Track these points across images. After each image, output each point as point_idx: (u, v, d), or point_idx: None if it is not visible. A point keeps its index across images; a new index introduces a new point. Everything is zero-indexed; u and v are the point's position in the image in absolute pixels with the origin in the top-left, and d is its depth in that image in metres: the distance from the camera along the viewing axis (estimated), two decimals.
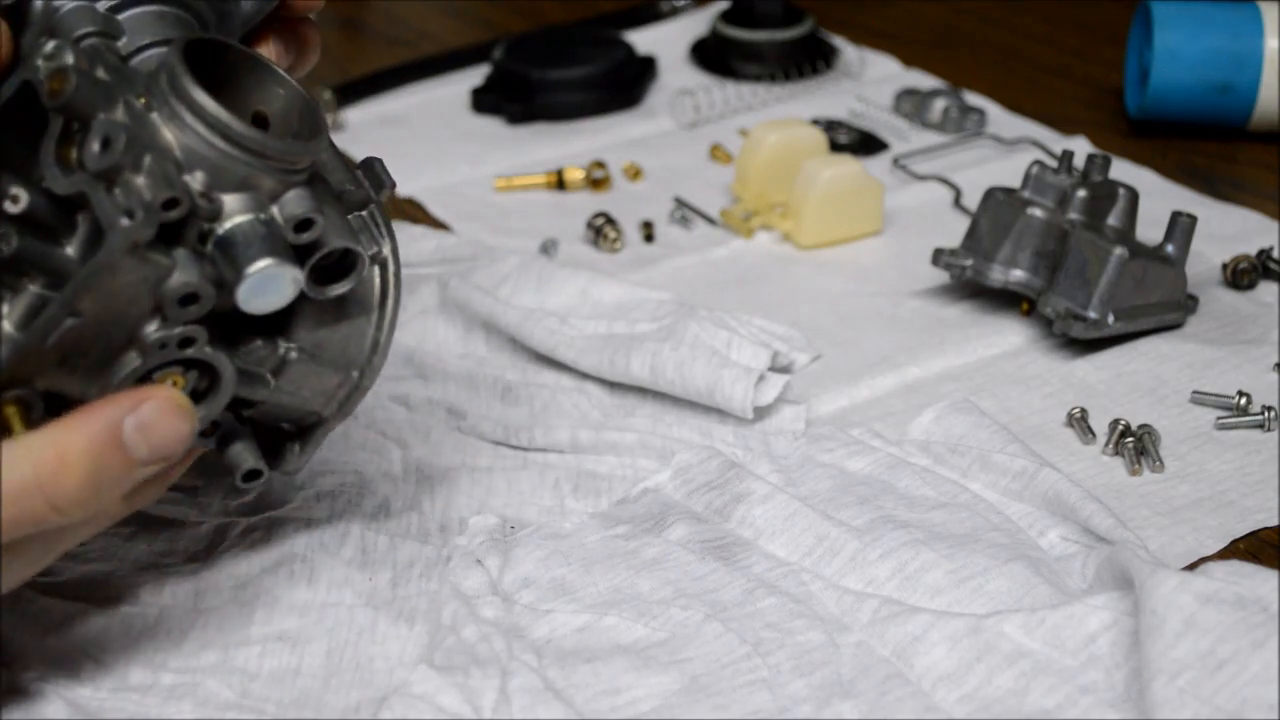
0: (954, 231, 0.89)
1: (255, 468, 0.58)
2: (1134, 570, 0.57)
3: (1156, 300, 0.80)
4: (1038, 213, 0.81)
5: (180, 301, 0.52)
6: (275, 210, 0.54)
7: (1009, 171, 0.97)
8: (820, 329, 0.82)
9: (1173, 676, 0.52)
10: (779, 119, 0.97)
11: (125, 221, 0.49)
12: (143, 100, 0.52)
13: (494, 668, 0.56)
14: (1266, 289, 0.85)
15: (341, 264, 0.57)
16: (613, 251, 0.91)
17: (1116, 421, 0.72)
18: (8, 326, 0.51)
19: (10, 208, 0.51)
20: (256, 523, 0.65)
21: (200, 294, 0.52)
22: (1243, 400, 0.74)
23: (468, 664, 0.57)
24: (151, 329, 0.52)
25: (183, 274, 0.51)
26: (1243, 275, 0.85)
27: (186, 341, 0.53)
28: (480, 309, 0.79)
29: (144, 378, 0.53)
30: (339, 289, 0.56)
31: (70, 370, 0.51)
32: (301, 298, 0.55)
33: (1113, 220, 0.82)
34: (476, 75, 1.14)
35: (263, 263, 0.52)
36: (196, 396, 0.54)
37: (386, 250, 0.58)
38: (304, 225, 0.54)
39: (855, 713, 0.55)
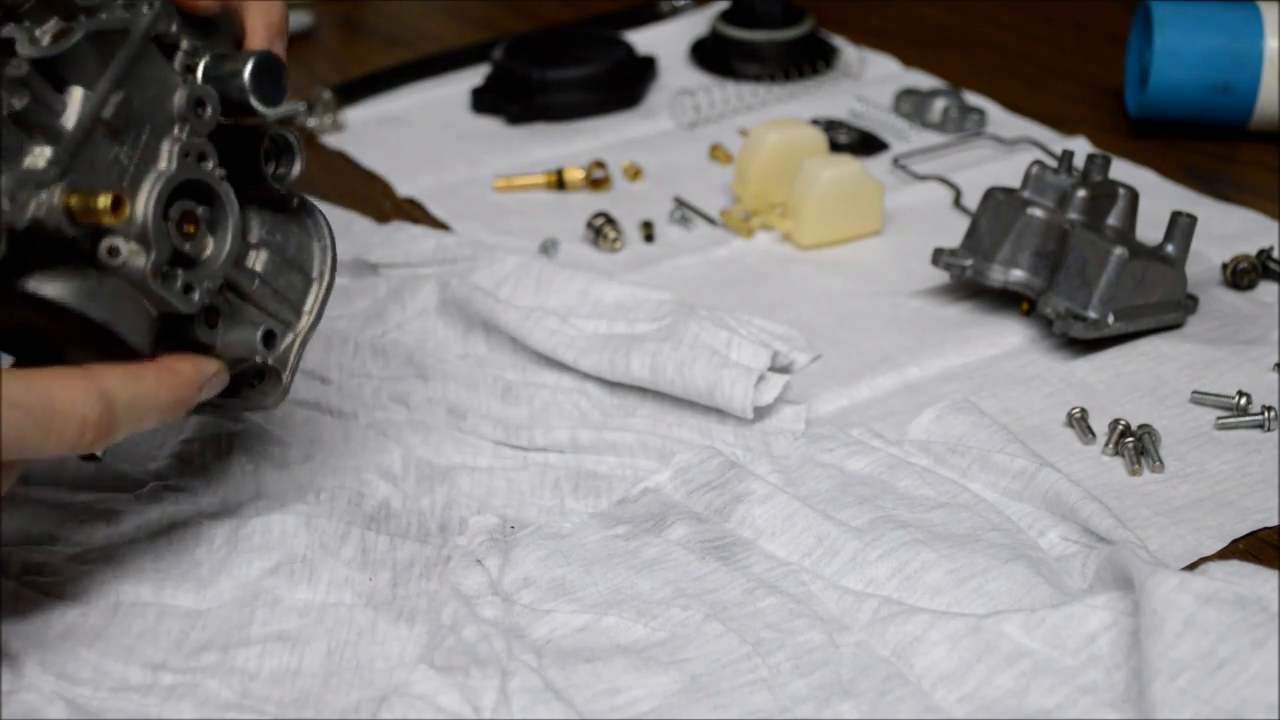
0: (954, 231, 0.89)
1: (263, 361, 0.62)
2: (1134, 570, 0.57)
3: (1156, 300, 0.80)
4: (1038, 213, 0.81)
5: (194, 105, 0.59)
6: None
7: (1009, 171, 0.97)
8: (820, 329, 0.82)
9: (1173, 676, 0.52)
10: (779, 119, 0.97)
11: (147, 9, 0.59)
12: None
13: (494, 668, 0.56)
14: (1266, 289, 0.85)
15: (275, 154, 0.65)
16: (613, 251, 0.91)
17: (1116, 421, 0.72)
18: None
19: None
20: (256, 524, 0.65)
21: (206, 99, 0.60)
22: (1243, 400, 0.74)
23: (468, 664, 0.57)
24: (177, 132, 0.59)
25: (188, 87, 0.60)
26: (1243, 275, 0.85)
27: (202, 157, 0.60)
28: (480, 309, 0.79)
29: (167, 204, 0.58)
30: (288, 172, 0.64)
31: (120, 159, 0.57)
32: (251, 197, 0.63)
33: (1113, 220, 0.82)
34: (476, 75, 1.14)
35: (255, 55, 0.61)
36: (211, 228, 0.60)
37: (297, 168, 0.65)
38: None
39: (855, 713, 0.55)
